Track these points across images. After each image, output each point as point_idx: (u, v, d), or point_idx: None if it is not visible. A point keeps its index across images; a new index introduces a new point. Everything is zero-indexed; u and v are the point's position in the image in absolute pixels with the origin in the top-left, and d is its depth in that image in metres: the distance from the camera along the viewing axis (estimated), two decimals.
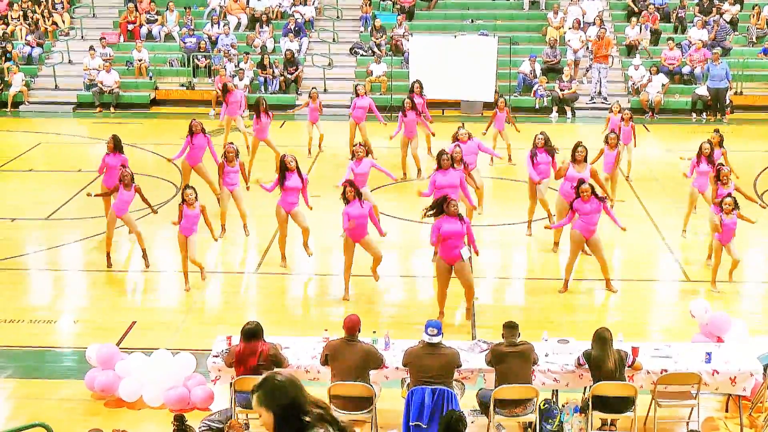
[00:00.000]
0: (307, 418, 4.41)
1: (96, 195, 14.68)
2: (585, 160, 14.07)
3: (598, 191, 12.95)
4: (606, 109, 24.01)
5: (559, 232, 14.35)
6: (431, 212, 12.08)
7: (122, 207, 13.73)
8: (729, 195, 13.03)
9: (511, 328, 9.34)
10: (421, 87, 19.19)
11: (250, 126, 19.01)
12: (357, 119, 19.35)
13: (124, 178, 13.72)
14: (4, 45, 26.30)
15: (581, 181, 12.73)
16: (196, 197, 12.89)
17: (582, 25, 26.05)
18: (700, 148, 14.81)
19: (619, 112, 18.28)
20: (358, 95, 19.59)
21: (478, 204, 15.68)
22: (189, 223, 12.81)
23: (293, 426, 4.40)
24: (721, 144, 15.42)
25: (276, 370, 4.77)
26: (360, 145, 15.09)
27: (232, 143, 15.00)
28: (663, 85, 24.25)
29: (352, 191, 12.41)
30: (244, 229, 15.11)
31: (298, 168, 13.71)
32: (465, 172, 14.23)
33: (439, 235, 11.73)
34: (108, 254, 14.07)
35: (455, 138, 15.42)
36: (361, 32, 27.39)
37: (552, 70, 25.29)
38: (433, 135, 18.80)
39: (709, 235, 13.72)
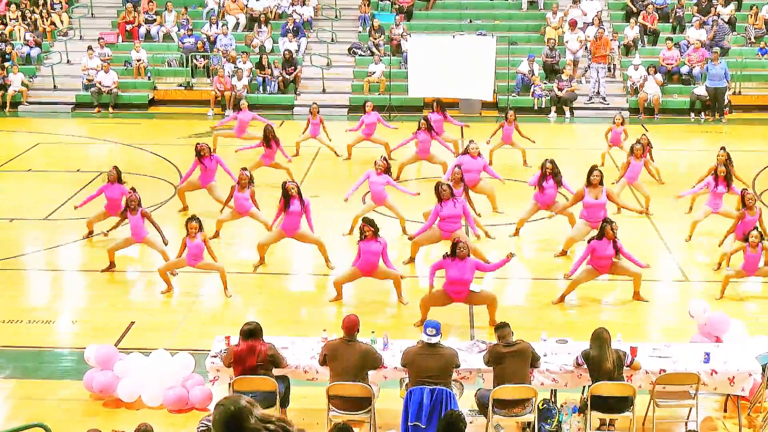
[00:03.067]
0: None
1: (109, 230, 14.51)
2: (601, 183, 14.01)
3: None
4: (604, 109, 24.12)
5: (571, 244, 14.32)
6: (448, 254, 11.72)
7: (138, 233, 13.61)
8: (755, 228, 12.99)
9: (503, 328, 9.37)
10: (441, 105, 19.14)
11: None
12: (367, 135, 19.53)
13: (131, 203, 13.54)
14: (2, 46, 26.31)
15: (607, 221, 12.55)
16: (199, 228, 12.76)
17: (582, 25, 26.02)
18: (716, 170, 14.86)
19: (621, 124, 18.35)
20: (366, 112, 19.68)
21: (493, 208, 16.00)
22: (192, 254, 12.78)
23: None
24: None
25: (230, 396, 4.97)
26: (383, 158, 15.22)
27: (245, 169, 14.81)
28: (656, 80, 24.22)
29: (370, 230, 12.29)
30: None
31: (299, 194, 13.67)
32: (464, 193, 14.30)
33: (442, 276, 11.72)
34: (112, 263, 13.99)
35: (465, 151, 15.69)
36: (360, 32, 27.39)
37: (551, 70, 25.30)
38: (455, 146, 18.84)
39: (720, 240, 13.85)
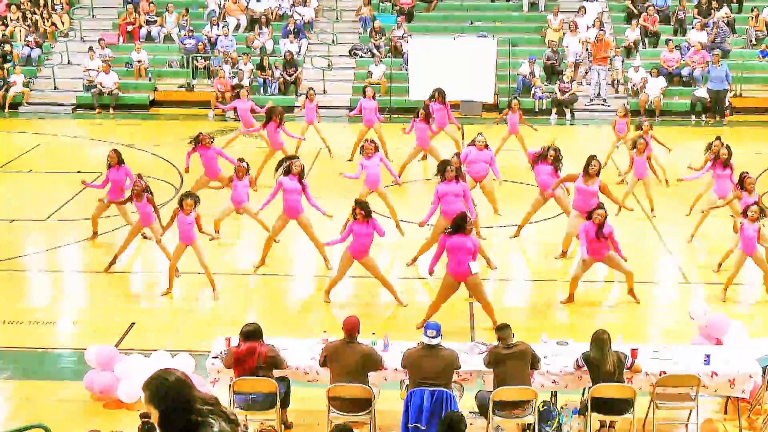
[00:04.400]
0: (195, 417, 4.53)
1: (109, 202, 14.56)
2: (597, 175, 13.95)
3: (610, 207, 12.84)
4: (604, 111, 24.12)
5: (569, 242, 14.31)
6: (449, 231, 11.73)
7: (146, 218, 13.61)
8: (756, 203, 12.85)
9: (503, 329, 9.35)
10: (443, 95, 19.00)
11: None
12: (368, 123, 19.46)
13: (135, 188, 13.54)
14: (3, 46, 26.31)
15: (600, 206, 12.55)
16: (194, 206, 12.78)
17: (585, 27, 26.02)
18: (718, 153, 14.81)
19: (624, 116, 18.31)
20: (365, 96, 19.63)
21: (494, 210, 15.97)
22: (185, 230, 12.76)
23: (177, 425, 4.54)
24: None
25: (166, 368, 4.83)
26: (370, 141, 15.20)
27: (243, 160, 14.80)
28: (661, 88, 24.22)
29: (361, 213, 12.27)
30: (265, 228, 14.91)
31: (300, 174, 13.65)
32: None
33: (445, 248, 11.66)
34: (116, 257, 13.97)
35: (472, 143, 15.69)
36: (361, 34, 27.40)
37: (552, 72, 25.29)
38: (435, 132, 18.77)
39: (726, 242, 13.77)
